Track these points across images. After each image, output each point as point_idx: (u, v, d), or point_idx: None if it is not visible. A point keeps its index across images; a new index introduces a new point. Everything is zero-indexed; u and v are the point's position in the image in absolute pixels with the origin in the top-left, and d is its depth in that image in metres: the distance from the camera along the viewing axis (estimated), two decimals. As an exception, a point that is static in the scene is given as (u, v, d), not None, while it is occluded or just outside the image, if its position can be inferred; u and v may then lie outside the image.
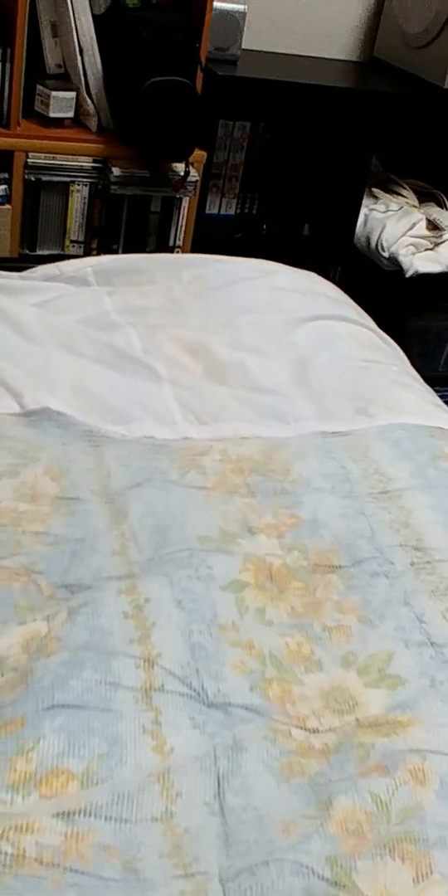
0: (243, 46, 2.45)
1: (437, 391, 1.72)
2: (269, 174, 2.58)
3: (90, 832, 0.78)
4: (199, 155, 2.30)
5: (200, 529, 1.14)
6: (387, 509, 1.22)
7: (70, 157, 2.21)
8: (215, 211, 2.67)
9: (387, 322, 2.26)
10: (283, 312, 1.69)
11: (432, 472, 1.29)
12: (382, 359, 1.65)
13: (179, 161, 2.25)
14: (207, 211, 2.60)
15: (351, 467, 1.30)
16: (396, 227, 2.44)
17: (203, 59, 2.24)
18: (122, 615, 0.98)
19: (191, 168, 2.27)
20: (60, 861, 0.75)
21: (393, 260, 2.43)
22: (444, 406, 1.56)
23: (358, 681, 0.95)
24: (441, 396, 1.66)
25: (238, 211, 2.67)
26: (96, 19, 2.16)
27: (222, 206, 2.68)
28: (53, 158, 2.19)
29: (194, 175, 2.29)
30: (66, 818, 0.78)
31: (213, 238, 2.47)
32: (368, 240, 2.48)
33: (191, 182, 2.30)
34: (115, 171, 2.22)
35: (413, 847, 0.76)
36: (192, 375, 1.50)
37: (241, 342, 1.58)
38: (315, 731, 0.90)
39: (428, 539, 1.16)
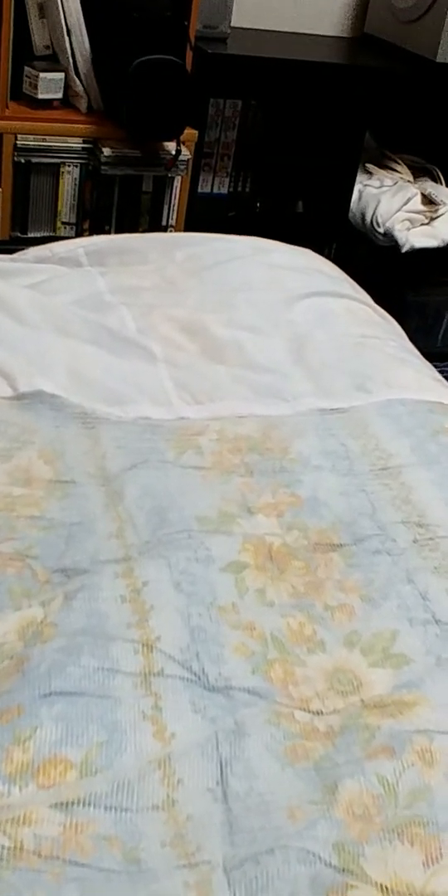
0: (233, 24, 2.41)
1: (435, 366, 1.69)
2: (262, 152, 2.55)
3: (90, 823, 0.76)
4: (190, 134, 2.27)
5: (198, 510, 1.12)
6: (388, 486, 1.19)
7: (60, 138, 2.17)
8: (208, 190, 2.63)
9: (383, 298, 2.23)
10: (279, 290, 1.66)
11: (433, 448, 1.26)
12: (380, 334, 1.62)
13: (170, 140, 2.22)
14: (200, 190, 2.57)
15: (350, 444, 1.27)
16: (391, 202, 2.40)
17: (192, 38, 2.20)
18: (120, 599, 0.95)
19: (182, 147, 2.24)
20: (59, 853, 0.73)
21: (388, 235, 2.40)
22: (444, 381, 1.53)
23: (362, 660, 0.93)
24: (440, 372, 1.63)
25: (231, 189, 2.64)
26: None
27: (215, 184, 2.64)
28: (43, 140, 2.16)
29: (186, 154, 2.26)
30: (65, 809, 0.76)
31: (206, 217, 2.44)
32: (363, 216, 2.45)
33: (182, 161, 2.26)
34: (106, 151, 2.18)
35: (422, 830, 0.74)
36: (188, 355, 1.47)
37: (237, 320, 1.55)
38: (319, 713, 0.87)
39: (430, 515, 1.14)
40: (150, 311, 1.53)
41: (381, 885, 0.70)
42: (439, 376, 1.55)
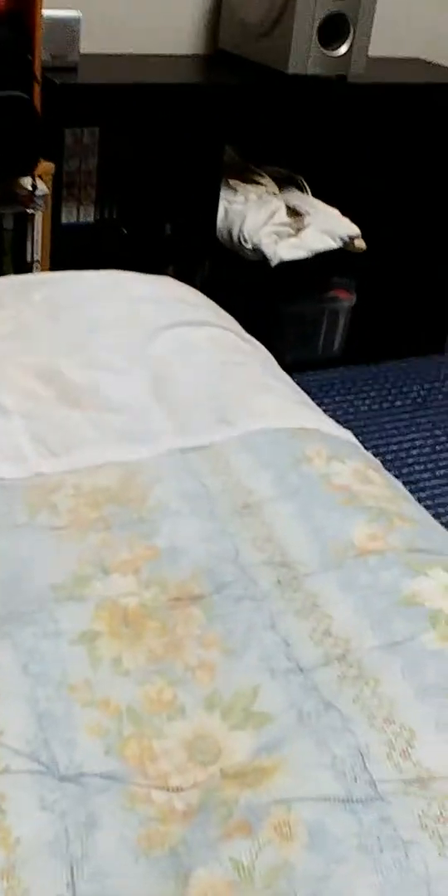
0: (83, 51, 2.35)
1: (315, 375, 1.68)
2: (125, 177, 2.50)
3: None
4: (46, 167, 2.20)
5: (53, 577, 1.06)
6: (249, 525, 1.16)
7: None
8: (74, 219, 2.57)
9: (258, 313, 2.22)
10: (138, 324, 1.61)
11: (294, 478, 1.24)
12: (244, 360, 1.59)
13: (24, 176, 2.14)
14: (65, 220, 2.50)
15: (211, 483, 1.24)
16: (256, 217, 2.39)
17: (38, 71, 2.14)
18: (-39, 692, 0.89)
19: (38, 181, 2.17)
20: None
21: (257, 250, 2.39)
22: (309, 402, 1.51)
23: (222, 724, 0.89)
24: (317, 380, 1.62)
25: (97, 217, 2.58)
26: None
27: (80, 214, 2.58)
28: None
29: (43, 188, 2.19)
30: None
31: (73, 247, 2.38)
32: (230, 233, 2.43)
33: (40, 195, 2.19)
34: (-42, 191, 2.10)
35: (281, 911, 0.70)
36: (44, 403, 1.41)
37: (93, 361, 1.50)
38: (178, 789, 0.83)
39: (292, 552, 1.11)
40: (1, 361, 1.46)
41: None
42: (305, 398, 1.53)
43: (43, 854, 0.76)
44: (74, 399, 1.42)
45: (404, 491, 1.31)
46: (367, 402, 2.60)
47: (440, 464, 2.35)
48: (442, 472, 2.33)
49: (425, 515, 1.25)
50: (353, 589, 1.05)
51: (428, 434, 2.48)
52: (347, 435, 1.42)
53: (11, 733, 0.85)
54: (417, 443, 2.44)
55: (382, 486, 1.26)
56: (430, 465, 2.33)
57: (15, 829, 0.77)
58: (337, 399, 2.52)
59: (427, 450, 2.41)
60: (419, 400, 2.65)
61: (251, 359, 1.61)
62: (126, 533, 1.14)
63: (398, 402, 2.62)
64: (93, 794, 0.81)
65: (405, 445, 2.41)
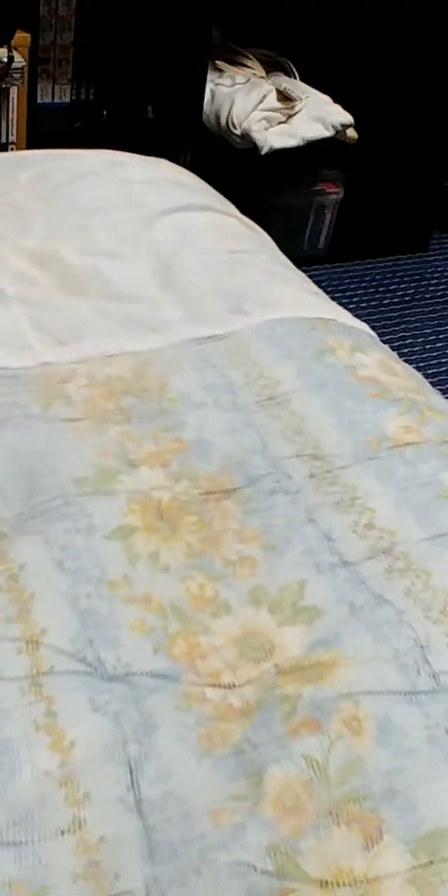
0: None
1: (303, 272, 1.61)
2: (104, 54, 2.34)
3: (-13, 865, 0.65)
4: (21, 38, 2.05)
5: (74, 470, 1.00)
6: (277, 417, 1.11)
7: None
8: (49, 100, 2.40)
9: (246, 204, 2.12)
10: (137, 208, 1.52)
11: (320, 369, 1.18)
12: (250, 248, 1.51)
13: (0, 46, 1.98)
14: (40, 101, 2.34)
15: (232, 374, 1.17)
16: (246, 101, 2.27)
17: None
18: (-6, 590, 0.83)
19: (14, 53, 2.01)
20: None
21: (246, 137, 2.27)
22: (322, 293, 1.45)
23: (271, 620, 0.85)
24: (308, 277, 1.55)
25: (74, 98, 2.42)
26: None
27: (56, 93, 2.41)
28: None
29: (20, 60, 2.04)
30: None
31: (49, 130, 2.23)
32: (218, 118, 2.31)
33: (16, 69, 2.04)
34: None
35: (358, 807, 0.68)
36: (44, 290, 1.32)
37: (94, 246, 1.41)
38: (231, 686, 0.79)
39: (324, 444, 1.07)
40: (-5, 244, 1.36)
41: (322, 881, 0.64)
42: (316, 289, 1.47)
43: (100, 757, 0.72)
44: (76, 286, 1.34)
45: (427, 383, 1.27)
46: (356, 299, 2.54)
47: (431, 362, 2.32)
48: (432, 370, 2.30)
49: (450, 408, 1.21)
50: (393, 481, 1.01)
51: (418, 332, 2.44)
52: (364, 326, 1.37)
53: (54, 632, 0.80)
54: (407, 340, 2.40)
55: (407, 378, 1.22)
56: (421, 364, 2.30)
57: (69, 732, 0.73)
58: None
59: (417, 348, 2.38)
60: (407, 298, 2.60)
61: (257, 245, 1.54)
62: (148, 425, 1.08)
63: (386, 301, 2.57)
64: (145, 693, 0.77)
65: (395, 344, 2.36)
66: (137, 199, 1.54)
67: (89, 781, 0.70)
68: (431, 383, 2.25)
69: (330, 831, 0.66)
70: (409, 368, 1.30)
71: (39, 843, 0.66)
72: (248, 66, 2.44)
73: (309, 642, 0.82)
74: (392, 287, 2.66)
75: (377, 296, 2.61)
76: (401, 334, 2.45)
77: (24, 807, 0.67)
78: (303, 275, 1.52)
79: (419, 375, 1.29)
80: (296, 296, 1.36)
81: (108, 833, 0.66)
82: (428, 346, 2.41)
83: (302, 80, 2.51)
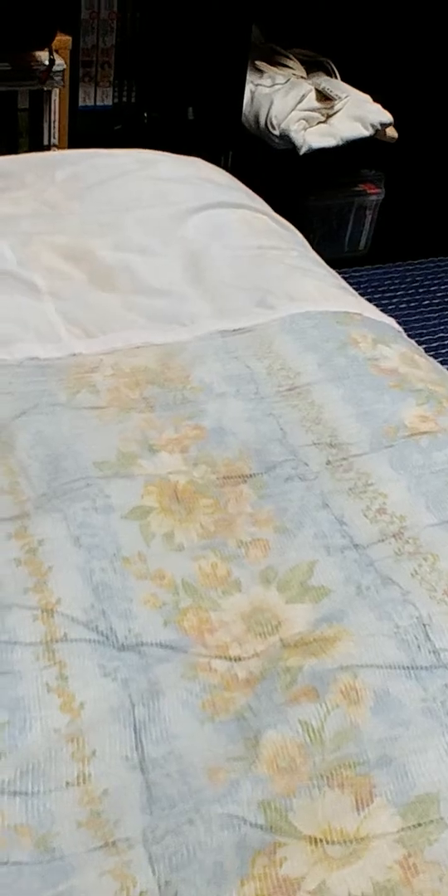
0: None
1: (342, 273, 1.63)
2: (145, 57, 2.39)
3: (-3, 812, 0.69)
4: (63, 40, 2.10)
5: (96, 454, 1.04)
6: (297, 407, 1.13)
7: None
8: (91, 102, 2.46)
9: (284, 204, 2.14)
10: (168, 205, 1.56)
11: (341, 361, 1.20)
12: (280, 244, 1.54)
13: (41, 49, 2.04)
14: (82, 103, 2.40)
15: (255, 366, 1.21)
16: (285, 101, 2.30)
17: None
18: (14, 562, 0.88)
19: (55, 55, 2.07)
20: (-36, 851, 0.67)
21: (284, 137, 2.30)
22: (349, 288, 1.47)
23: (279, 597, 0.88)
24: (346, 279, 1.57)
25: (115, 100, 2.48)
26: None
27: (98, 96, 2.47)
28: None
29: (61, 63, 2.09)
30: (-31, 801, 0.69)
31: (90, 132, 2.29)
32: (257, 118, 2.34)
33: (57, 71, 2.10)
34: (-27, 66, 2.00)
35: (352, 772, 0.70)
36: (76, 285, 1.37)
37: (125, 242, 1.45)
38: (238, 658, 0.82)
39: (342, 434, 1.09)
40: (29, 241, 1.41)
41: (312, 838, 0.66)
42: (344, 283, 1.49)
43: (107, 719, 0.75)
44: (107, 281, 1.38)
45: (449, 375, 1.29)
46: (395, 300, 2.55)
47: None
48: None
49: (471, 400, 1.22)
50: (406, 468, 1.03)
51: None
52: (390, 320, 1.39)
53: (68, 602, 0.84)
54: (446, 342, 2.40)
55: (429, 370, 1.23)
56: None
57: (78, 695, 0.77)
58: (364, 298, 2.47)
59: (456, 351, 2.37)
60: (447, 300, 2.60)
61: (287, 242, 1.56)
62: (170, 413, 1.11)
63: (426, 302, 2.56)
64: (153, 663, 0.81)
65: (434, 345, 2.36)
66: (169, 197, 1.58)
67: (96, 740, 0.74)
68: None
69: (322, 792, 0.69)
70: (434, 362, 1.31)
71: (46, 794, 0.70)
72: (288, 67, 2.47)
73: (314, 618, 0.85)
74: (432, 288, 2.66)
75: (417, 297, 2.61)
76: (440, 335, 2.45)
77: (33, 759, 0.71)
78: (332, 270, 1.54)
79: (443, 369, 1.30)
80: (322, 290, 1.39)
81: (111, 786, 0.70)
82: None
83: (342, 79, 2.53)
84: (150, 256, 1.43)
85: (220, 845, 0.65)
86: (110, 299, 1.35)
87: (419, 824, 0.67)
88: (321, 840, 0.66)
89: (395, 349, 1.25)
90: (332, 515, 0.97)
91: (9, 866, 0.65)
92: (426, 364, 1.26)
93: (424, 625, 0.83)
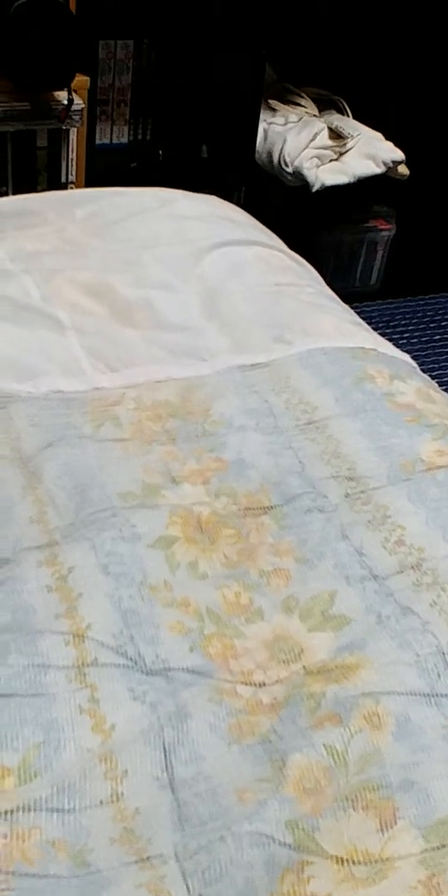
0: (118, -41, 2.29)
1: (355, 307, 1.67)
2: (160, 96, 2.45)
3: (33, 829, 0.72)
4: (81, 80, 2.16)
5: (121, 485, 1.07)
6: (315, 440, 1.17)
7: None
8: (107, 140, 2.53)
9: (297, 240, 2.19)
10: (187, 243, 1.60)
11: (358, 396, 1.24)
12: (296, 281, 1.58)
13: (60, 89, 2.10)
14: (99, 141, 2.46)
15: (273, 400, 1.24)
16: (298, 139, 2.35)
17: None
18: (46, 589, 0.91)
19: (74, 95, 2.13)
20: (4, 865, 0.70)
21: (297, 175, 2.36)
22: (364, 324, 1.51)
23: (301, 626, 0.91)
24: (358, 313, 1.61)
25: (131, 138, 2.54)
26: None
27: (114, 134, 2.54)
28: None
29: (79, 102, 2.16)
30: (6, 818, 0.72)
31: (107, 169, 2.35)
32: (270, 156, 2.40)
33: (76, 111, 2.16)
34: (-6, 106, 2.06)
35: (375, 795, 0.73)
36: (98, 320, 1.41)
37: (145, 279, 1.50)
38: (262, 684, 0.85)
39: (360, 467, 1.12)
40: (52, 277, 1.46)
41: (338, 858, 0.69)
42: (359, 320, 1.53)
43: (137, 740, 0.78)
44: (128, 317, 1.42)
45: (463, 411, 1.32)
46: (407, 335, 2.59)
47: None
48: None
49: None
50: (424, 501, 1.06)
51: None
52: (405, 357, 1.42)
53: (98, 627, 0.87)
54: (459, 378, 2.43)
55: (445, 406, 1.27)
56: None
57: (109, 717, 0.80)
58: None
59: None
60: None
61: (302, 279, 1.61)
62: (191, 446, 1.15)
63: (437, 337, 2.60)
64: (180, 687, 0.83)
65: (445, 380, 2.40)
66: (187, 235, 1.63)
67: (127, 760, 0.76)
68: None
69: (347, 814, 0.72)
70: (448, 397, 1.35)
71: (81, 811, 0.72)
72: (301, 105, 2.53)
73: (336, 647, 0.88)
74: (444, 323, 2.69)
75: (428, 332, 2.65)
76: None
77: (68, 778, 0.74)
78: (346, 307, 1.58)
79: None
80: (338, 326, 1.43)
81: (142, 805, 0.73)
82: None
83: (354, 117, 2.59)
84: (169, 292, 1.47)
85: (251, 862, 0.67)
86: (131, 334, 1.39)
87: (442, 846, 0.69)
88: (347, 860, 0.69)
89: (411, 385, 1.29)
90: (352, 547, 1.01)
91: (48, 879, 0.68)
92: (441, 399, 1.29)
93: (444, 653, 0.86)
